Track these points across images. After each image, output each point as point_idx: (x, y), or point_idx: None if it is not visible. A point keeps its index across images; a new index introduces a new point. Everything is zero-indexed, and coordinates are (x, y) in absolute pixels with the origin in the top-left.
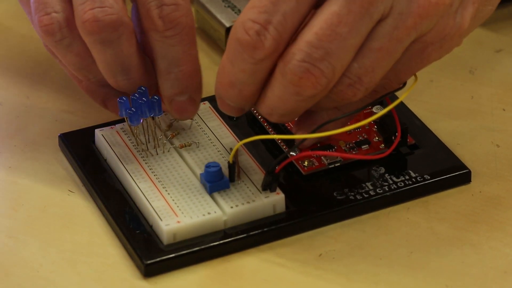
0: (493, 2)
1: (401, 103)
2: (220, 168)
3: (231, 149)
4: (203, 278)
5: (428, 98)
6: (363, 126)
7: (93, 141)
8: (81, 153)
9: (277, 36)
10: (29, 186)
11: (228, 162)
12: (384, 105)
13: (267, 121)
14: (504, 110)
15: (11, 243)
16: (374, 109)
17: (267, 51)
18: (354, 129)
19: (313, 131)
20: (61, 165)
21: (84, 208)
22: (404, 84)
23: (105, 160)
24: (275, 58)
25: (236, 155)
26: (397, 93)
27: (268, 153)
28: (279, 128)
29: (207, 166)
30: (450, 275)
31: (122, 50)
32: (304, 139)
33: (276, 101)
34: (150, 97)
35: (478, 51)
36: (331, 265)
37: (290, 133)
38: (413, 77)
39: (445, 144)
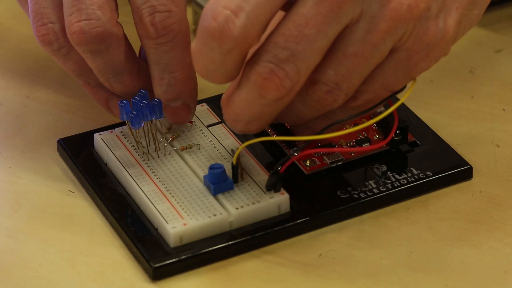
0: (479, 7)
1: (403, 105)
2: (224, 170)
3: (232, 150)
4: (210, 280)
5: (428, 98)
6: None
7: (92, 146)
8: (81, 157)
9: (247, 24)
10: (29, 186)
11: (232, 163)
12: (386, 107)
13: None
14: (504, 110)
15: (11, 243)
16: (377, 111)
17: (235, 40)
18: (356, 130)
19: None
20: (61, 165)
21: (84, 208)
22: (404, 86)
23: (106, 164)
24: (243, 50)
25: (238, 156)
26: (398, 95)
27: (268, 154)
28: (280, 129)
29: (211, 167)
30: (450, 275)
31: (113, 59)
32: (307, 143)
33: (242, 105)
34: (150, 100)
35: (478, 51)
36: (331, 265)
37: (292, 134)
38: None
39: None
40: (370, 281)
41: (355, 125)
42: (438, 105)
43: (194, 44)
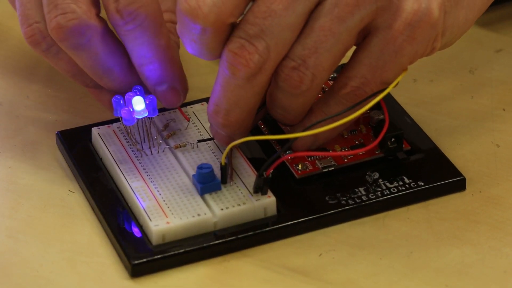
0: (466, 8)
1: (402, 109)
2: (212, 170)
3: None
4: (191, 279)
5: (428, 98)
6: (359, 131)
7: (90, 139)
8: (78, 151)
9: (218, 2)
10: (29, 186)
11: (220, 163)
12: (381, 109)
13: (263, 123)
14: (504, 110)
15: (11, 243)
16: (371, 114)
17: (206, 19)
18: (350, 128)
19: (304, 130)
20: (61, 165)
21: (84, 207)
22: (397, 82)
23: (101, 159)
24: (219, 28)
25: (230, 157)
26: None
27: (264, 155)
28: (274, 129)
29: (199, 167)
30: (450, 275)
31: (98, 53)
32: (296, 139)
33: (219, 91)
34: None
35: (478, 51)
36: (331, 265)
37: (284, 134)
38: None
39: (444, 145)
40: (370, 281)
41: (352, 131)
42: (438, 105)
43: (176, 26)
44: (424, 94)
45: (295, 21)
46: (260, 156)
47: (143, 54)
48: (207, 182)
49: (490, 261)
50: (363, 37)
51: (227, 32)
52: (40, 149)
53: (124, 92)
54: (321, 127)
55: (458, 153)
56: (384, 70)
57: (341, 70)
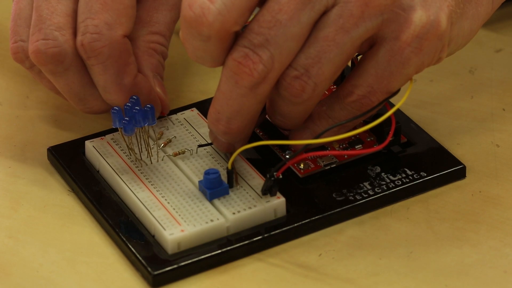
0: (471, 20)
1: (389, 102)
2: (220, 175)
3: (225, 154)
4: (209, 285)
5: (428, 98)
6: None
7: (83, 153)
8: (72, 165)
9: (223, 10)
10: (29, 186)
11: (227, 168)
12: (382, 111)
13: (260, 126)
14: (504, 110)
15: (11, 243)
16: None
17: (211, 27)
18: (352, 136)
19: (317, 137)
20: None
21: (84, 208)
22: (398, 90)
23: (98, 171)
24: (224, 36)
25: (232, 161)
26: (394, 100)
27: (261, 158)
28: (272, 134)
29: (206, 173)
30: (450, 275)
31: (74, 82)
32: (305, 146)
33: (221, 99)
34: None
35: (478, 51)
36: (331, 265)
37: (284, 138)
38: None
39: (444, 145)
40: (370, 281)
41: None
42: (438, 105)
43: (180, 33)
44: (424, 94)
45: (300, 32)
46: (258, 160)
47: (103, 89)
48: (216, 188)
49: (490, 261)
50: (369, 46)
51: (231, 40)
52: (40, 149)
53: (98, 114)
54: (333, 135)
55: (458, 153)
56: (390, 80)
57: (347, 77)
